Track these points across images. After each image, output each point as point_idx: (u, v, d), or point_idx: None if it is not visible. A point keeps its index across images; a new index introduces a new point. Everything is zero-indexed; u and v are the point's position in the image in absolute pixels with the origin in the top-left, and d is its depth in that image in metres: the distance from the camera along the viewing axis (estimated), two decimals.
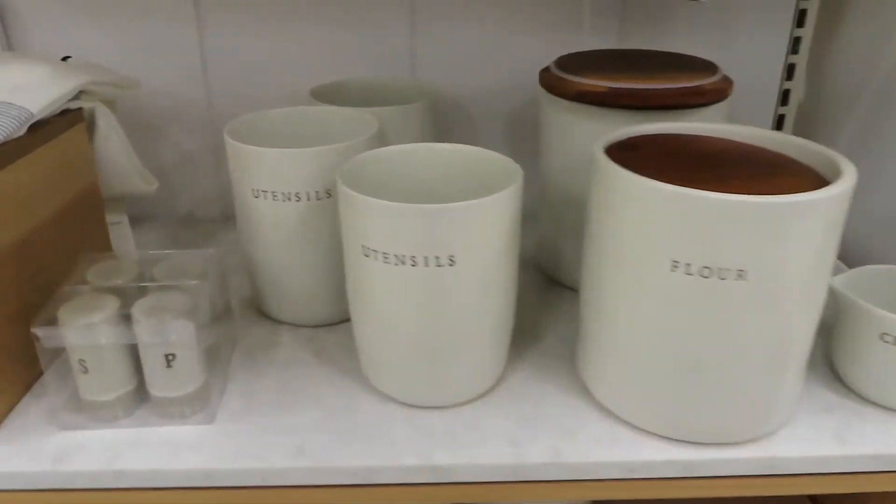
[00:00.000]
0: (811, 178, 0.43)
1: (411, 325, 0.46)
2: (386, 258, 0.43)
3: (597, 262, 0.46)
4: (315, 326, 0.59)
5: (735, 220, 0.39)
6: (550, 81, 0.58)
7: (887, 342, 0.47)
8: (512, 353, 0.55)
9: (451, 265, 0.43)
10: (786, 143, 0.48)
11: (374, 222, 0.43)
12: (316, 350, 0.56)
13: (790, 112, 0.78)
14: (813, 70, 0.76)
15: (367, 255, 0.44)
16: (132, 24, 0.71)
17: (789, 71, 0.76)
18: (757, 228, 0.39)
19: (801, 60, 0.76)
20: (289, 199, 0.52)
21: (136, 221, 0.69)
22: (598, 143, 0.46)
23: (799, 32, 0.74)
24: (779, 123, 0.79)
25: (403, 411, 0.49)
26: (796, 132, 0.80)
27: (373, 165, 0.50)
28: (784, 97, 0.78)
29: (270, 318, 0.60)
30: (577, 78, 0.56)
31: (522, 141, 0.76)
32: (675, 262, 0.41)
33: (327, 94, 0.67)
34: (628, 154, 0.47)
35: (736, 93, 0.75)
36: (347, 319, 0.59)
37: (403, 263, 0.43)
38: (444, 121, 0.76)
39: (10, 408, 0.49)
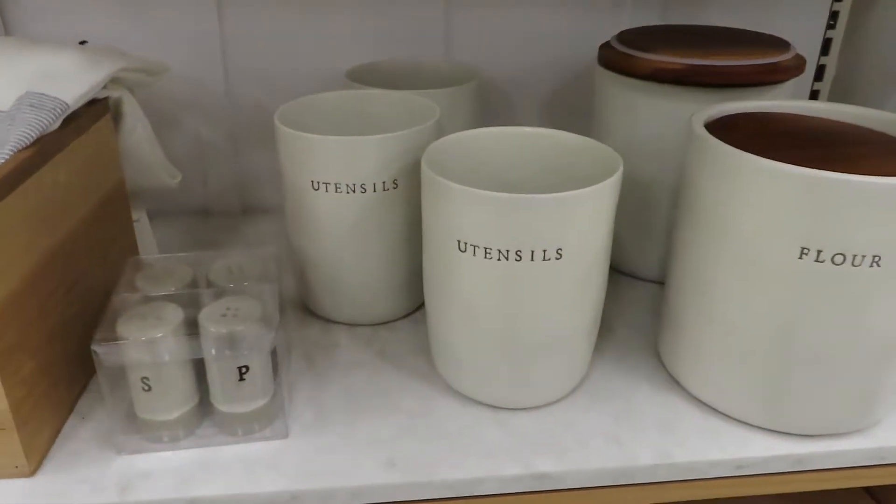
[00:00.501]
0: None
1: (509, 322, 0.42)
2: (488, 253, 0.40)
3: (701, 250, 0.44)
4: (373, 325, 0.55)
5: (872, 203, 0.36)
6: (614, 59, 0.55)
7: None
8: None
9: (558, 259, 0.40)
10: (888, 121, 0.46)
11: (474, 214, 0.39)
12: (379, 350, 0.52)
13: (825, 87, 0.77)
14: (847, 45, 0.75)
15: (462, 251, 0.41)
16: (143, 6, 0.65)
17: (825, 46, 0.75)
18: (883, 211, 0.36)
19: (837, 35, 0.75)
20: (353, 190, 0.48)
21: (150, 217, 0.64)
22: (697, 123, 0.44)
23: (837, 7, 0.73)
24: (813, 98, 0.78)
25: (490, 414, 0.46)
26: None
27: (454, 151, 0.47)
28: (819, 72, 0.76)
29: (322, 318, 0.56)
30: (648, 55, 0.53)
31: (564, 124, 0.73)
32: (804, 248, 0.38)
33: (362, 77, 0.63)
34: (730, 134, 0.44)
35: None
36: (405, 316, 0.55)
37: (507, 258, 0.40)
38: (482, 104, 0.72)
39: (57, 432, 0.44)
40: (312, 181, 0.48)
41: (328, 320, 0.55)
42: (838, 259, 0.38)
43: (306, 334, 0.54)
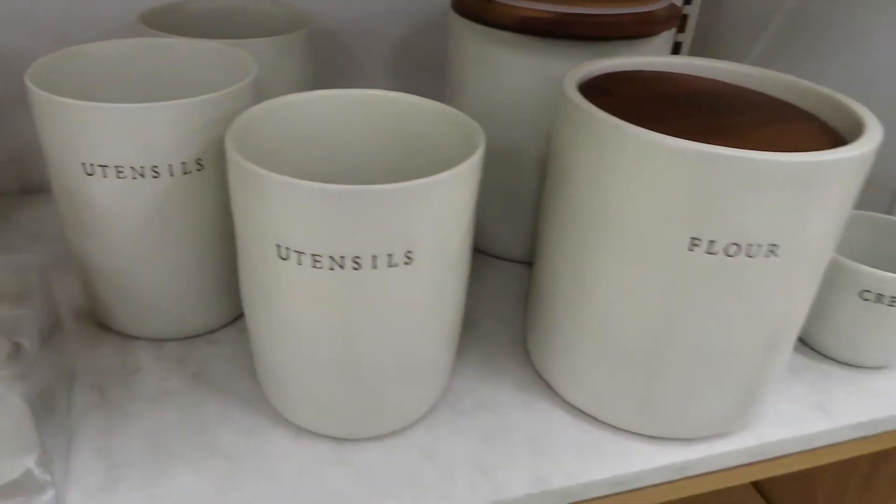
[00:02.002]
0: (819, 125, 0.36)
1: (348, 343, 0.34)
2: (317, 261, 0.31)
3: (573, 235, 0.37)
4: (187, 339, 0.44)
5: (770, 184, 0.31)
6: (472, 5, 0.46)
7: (867, 299, 0.43)
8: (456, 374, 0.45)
9: (407, 264, 0.32)
10: (780, 83, 0.40)
11: (297, 212, 0.30)
12: (195, 372, 0.42)
13: (687, 39, 0.73)
14: None
15: (284, 258, 0.31)
16: None
17: None
18: (793, 194, 0.31)
19: None
20: (142, 175, 0.37)
21: None
22: (569, 84, 0.36)
23: None
24: (675, 51, 0.74)
25: (332, 449, 0.38)
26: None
27: (272, 123, 0.36)
28: (682, 23, 0.72)
29: (118, 333, 0.44)
30: (512, 1, 0.45)
31: (419, 83, 0.64)
32: (694, 239, 0.32)
33: (162, 22, 0.50)
34: (607, 98, 0.37)
35: None
36: (230, 323, 0.45)
37: (343, 267, 0.31)
38: (318, 59, 0.61)
39: None
40: (84, 164, 0.36)
41: (127, 336, 0.44)
42: (733, 250, 0.32)
43: (97, 357, 0.43)
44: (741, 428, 0.41)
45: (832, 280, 0.44)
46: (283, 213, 0.30)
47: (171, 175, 0.37)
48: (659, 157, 0.31)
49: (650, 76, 0.41)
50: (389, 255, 0.31)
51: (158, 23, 0.49)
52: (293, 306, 0.33)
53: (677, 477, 0.39)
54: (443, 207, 0.32)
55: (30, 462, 0.32)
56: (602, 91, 0.38)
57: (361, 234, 0.30)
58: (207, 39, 0.44)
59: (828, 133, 0.36)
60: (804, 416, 0.42)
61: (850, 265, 0.43)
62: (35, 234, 0.54)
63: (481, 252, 0.56)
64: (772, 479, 0.67)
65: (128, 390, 0.40)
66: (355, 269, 0.31)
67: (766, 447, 0.41)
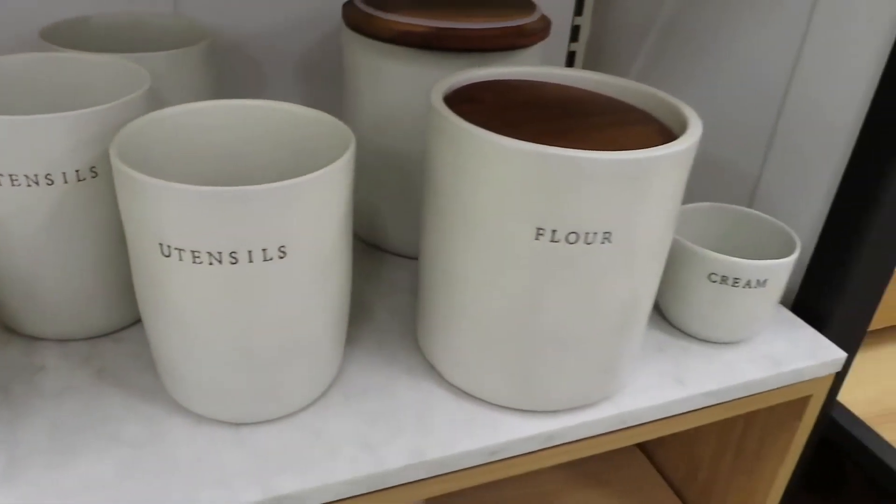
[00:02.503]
0: (658, 127, 0.41)
1: (233, 333, 0.37)
2: (196, 257, 0.34)
3: (445, 231, 0.41)
4: (91, 338, 0.47)
5: (600, 179, 0.35)
6: (358, 19, 0.50)
7: (714, 281, 0.48)
8: (352, 348, 0.49)
9: (281, 258, 0.35)
10: (622, 87, 0.45)
11: (175, 213, 0.33)
12: (98, 369, 0.44)
13: (580, 49, 0.79)
14: (599, 4, 0.77)
15: (167, 255, 0.34)
16: None
17: (578, 6, 0.76)
18: (622, 187, 0.36)
19: None
20: (36, 182, 0.39)
21: None
22: (436, 94, 0.40)
23: None
24: (570, 60, 0.79)
25: (229, 433, 0.41)
26: (586, 68, 0.81)
27: (154, 134, 0.39)
28: (574, 33, 0.77)
29: (24, 335, 0.46)
30: (391, 15, 0.49)
31: (321, 90, 0.67)
32: (539, 229, 0.37)
33: (64, 36, 0.52)
34: (469, 107, 0.41)
35: None
36: (133, 323, 0.48)
37: (220, 262, 0.34)
38: (221, 69, 0.64)
39: None
40: None
41: (33, 337, 0.46)
42: (573, 238, 0.37)
43: (2, 357, 0.45)
44: (603, 399, 0.45)
45: (685, 264, 0.49)
46: (162, 214, 0.33)
47: (66, 182, 0.40)
48: (502, 157, 0.36)
49: (514, 85, 0.45)
50: (264, 250, 0.34)
51: (59, 38, 0.51)
52: (180, 301, 0.36)
53: (546, 446, 0.44)
54: (313, 205, 0.35)
55: None
56: (467, 99, 0.43)
57: (235, 231, 0.33)
58: (104, 53, 0.46)
59: (662, 132, 0.40)
60: (662, 386, 0.47)
61: (699, 251, 0.48)
62: None
63: (381, 249, 0.59)
64: (656, 443, 0.72)
65: (32, 388, 0.43)
66: (233, 263, 0.34)
67: (626, 416, 0.45)
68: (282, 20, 0.64)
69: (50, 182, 0.39)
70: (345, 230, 0.39)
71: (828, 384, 0.53)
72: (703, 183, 0.67)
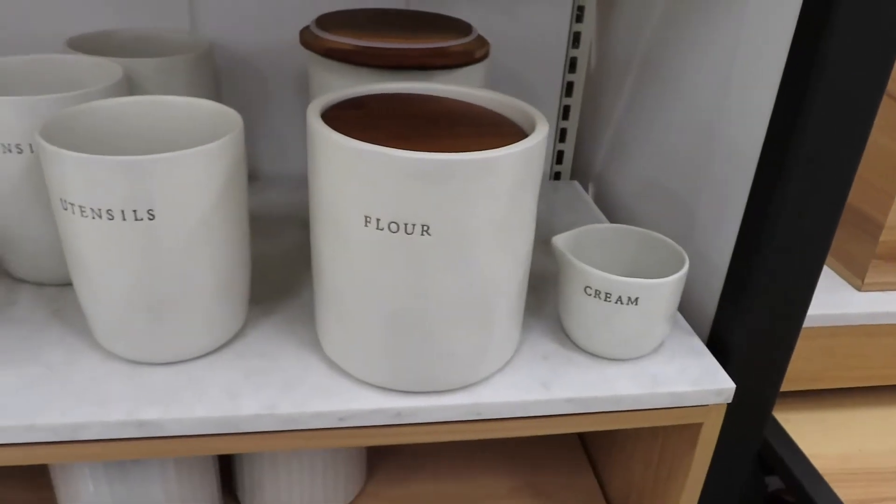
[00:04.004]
0: (517, 138, 0.45)
1: (122, 281, 0.45)
2: (83, 212, 0.42)
3: (312, 221, 0.47)
4: (60, 285, 0.57)
5: (415, 176, 0.40)
6: (308, 38, 0.58)
7: (589, 294, 0.50)
8: (260, 309, 0.56)
9: (151, 220, 0.43)
10: (504, 103, 0.50)
11: (71, 176, 0.42)
12: (56, 310, 0.54)
13: (578, 79, 0.82)
14: (602, 37, 0.80)
15: (66, 210, 0.43)
16: None
17: (575, 39, 0.79)
18: (435, 185, 0.40)
19: (586, 30, 0.79)
20: (9, 150, 0.50)
21: None
22: (317, 102, 0.47)
23: (582, 2, 0.77)
24: (568, 90, 0.82)
25: (127, 368, 0.49)
26: (585, 98, 0.84)
27: (90, 118, 0.49)
28: (572, 65, 0.81)
29: (12, 277, 0.57)
30: (329, 35, 0.56)
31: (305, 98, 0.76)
32: (367, 217, 0.42)
33: (89, 46, 0.64)
34: (356, 112, 0.48)
35: (525, 59, 0.78)
36: None
37: (100, 217, 0.42)
38: (232, 76, 0.74)
39: None
40: None
41: (17, 279, 0.57)
42: (394, 227, 0.41)
43: None
44: (460, 388, 0.49)
45: (566, 276, 0.52)
46: (62, 176, 0.42)
47: (33, 152, 0.50)
48: (334, 151, 0.41)
49: (403, 97, 0.51)
50: (134, 211, 0.42)
51: (84, 46, 0.63)
52: (79, 249, 0.45)
53: (396, 422, 0.48)
54: (178, 179, 0.43)
55: None
56: (356, 105, 0.49)
57: (113, 192, 0.42)
58: (99, 57, 0.57)
59: (515, 139, 0.44)
60: (527, 387, 0.50)
61: (576, 263, 0.50)
62: None
63: None
64: (604, 461, 0.72)
65: (3, 313, 0.53)
66: (110, 219, 0.42)
67: (481, 407, 0.48)
68: (285, 39, 0.73)
69: (20, 150, 0.50)
70: (221, 205, 0.46)
71: (720, 414, 0.53)
72: (652, 209, 0.68)
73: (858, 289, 0.70)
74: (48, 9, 0.68)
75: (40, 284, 0.57)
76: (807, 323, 0.65)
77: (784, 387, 0.60)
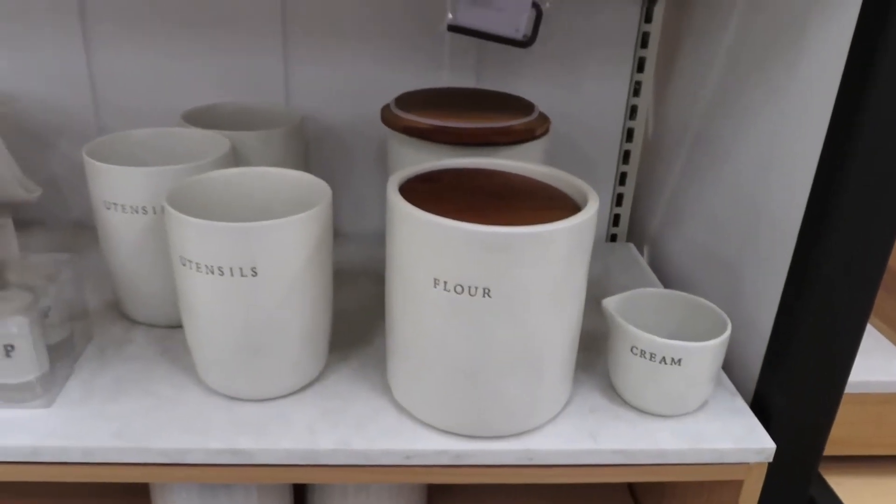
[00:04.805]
0: (571, 211, 0.50)
1: (225, 327, 0.53)
2: (199, 268, 0.50)
3: (388, 279, 0.54)
4: (169, 327, 0.65)
5: (478, 247, 0.46)
6: (388, 116, 0.66)
7: (636, 354, 0.55)
8: (338, 355, 0.62)
9: (254, 276, 0.50)
10: (561, 178, 0.56)
11: (193, 238, 0.50)
12: (164, 348, 0.63)
13: (635, 148, 0.87)
14: (658, 109, 0.85)
15: (184, 266, 0.51)
16: (20, 37, 0.76)
17: (632, 111, 0.85)
18: (495, 254, 0.46)
19: (643, 102, 0.85)
20: (136, 211, 0.59)
21: (26, 225, 0.75)
22: (395, 178, 0.54)
23: (639, 77, 0.83)
24: (625, 158, 0.88)
25: (225, 402, 0.56)
26: (642, 168, 0.89)
27: (206, 186, 0.57)
28: (629, 135, 0.86)
29: (129, 319, 0.66)
30: (407, 115, 0.64)
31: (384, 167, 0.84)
32: (436, 279, 0.48)
33: (199, 118, 0.74)
34: (429, 186, 0.55)
35: (585, 129, 0.85)
36: None
37: (222, 274, 0.50)
38: (319, 146, 0.83)
39: None
40: (105, 201, 0.59)
41: (133, 321, 0.66)
42: (459, 289, 0.48)
43: (110, 331, 0.65)
44: (514, 435, 0.54)
45: (616, 336, 0.56)
46: (183, 238, 0.50)
47: (155, 213, 0.59)
48: (408, 222, 0.48)
49: (472, 171, 0.58)
50: (241, 268, 0.50)
51: (196, 119, 0.73)
52: (193, 299, 0.53)
53: (456, 462, 0.53)
54: (277, 242, 0.50)
55: (32, 377, 0.54)
56: (428, 179, 0.56)
57: (225, 252, 0.49)
58: (209, 130, 0.67)
59: (569, 213, 0.50)
60: (577, 437, 0.54)
61: (623, 325, 0.55)
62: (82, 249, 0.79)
63: None
64: (644, 486, 0.74)
65: (119, 352, 0.62)
66: (220, 275, 0.50)
67: (533, 453, 0.53)
68: (366, 113, 0.82)
69: (144, 212, 0.59)
70: (313, 263, 0.53)
71: (761, 473, 0.56)
72: (702, 272, 0.72)
73: None
74: (165, 85, 0.79)
75: (151, 325, 0.66)
76: (857, 389, 0.67)
77: (836, 451, 0.62)
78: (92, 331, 0.64)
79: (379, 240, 0.79)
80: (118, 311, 0.68)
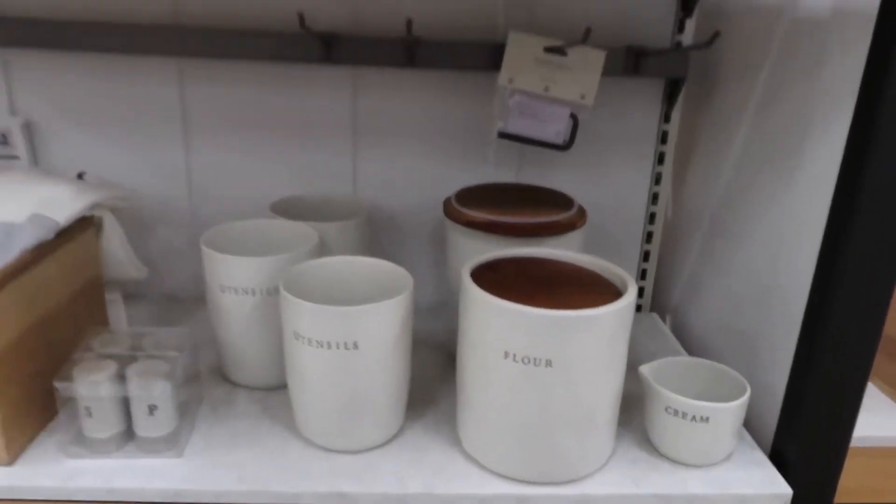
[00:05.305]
0: (613, 295, 0.62)
1: (327, 392, 0.64)
2: (308, 342, 0.62)
3: (460, 350, 0.65)
4: (266, 389, 0.77)
5: (541, 326, 0.58)
6: (450, 210, 0.78)
7: (670, 413, 0.65)
8: (412, 413, 0.73)
9: (355, 349, 0.62)
10: (603, 265, 0.67)
11: (306, 317, 0.62)
12: (265, 407, 0.74)
13: (657, 230, 0.99)
14: (676, 196, 0.98)
15: (297, 340, 0.63)
16: (132, 141, 0.91)
17: (654, 198, 0.97)
18: (555, 332, 0.58)
19: (663, 190, 0.97)
20: (246, 293, 0.71)
21: (129, 299, 0.87)
22: (467, 266, 0.66)
23: (660, 169, 0.96)
24: (648, 238, 1.00)
25: (323, 454, 0.67)
26: (663, 246, 1.01)
27: (310, 271, 0.69)
28: (651, 218, 0.98)
29: (232, 382, 0.78)
30: (468, 210, 0.76)
31: (439, 251, 0.97)
32: (506, 352, 0.59)
33: (284, 208, 0.87)
34: (490, 273, 0.66)
35: (609, 213, 0.97)
36: None
37: (329, 347, 0.62)
38: (380, 230, 0.96)
39: (30, 440, 0.66)
40: (220, 285, 0.71)
41: (236, 384, 0.77)
42: (526, 360, 0.59)
43: (217, 392, 0.76)
44: (569, 482, 0.64)
45: (652, 398, 0.67)
46: (297, 317, 0.62)
47: (262, 295, 0.71)
48: (481, 305, 0.60)
49: (525, 260, 0.70)
50: (345, 343, 0.61)
51: (281, 208, 0.86)
52: (302, 368, 0.64)
53: None
54: (374, 322, 0.62)
55: (168, 431, 0.65)
56: (491, 267, 0.67)
57: (332, 330, 0.61)
58: (300, 222, 0.79)
59: (612, 296, 0.61)
60: (622, 483, 0.65)
61: (657, 388, 0.66)
62: (204, 324, 0.90)
63: None
64: None
65: (230, 410, 0.73)
66: (328, 349, 0.62)
67: (588, 498, 0.63)
68: (422, 203, 0.94)
69: (253, 294, 0.71)
70: (401, 339, 0.65)
71: None
72: (722, 340, 0.83)
73: None
74: (250, 178, 0.93)
75: (250, 388, 0.77)
76: (864, 443, 0.77)
77: (848, 499, 0.71)
78: (202, 392, 0.75)
79: (431, 313, 0.90)
80: (220, 374, 0.79)
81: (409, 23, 0.75)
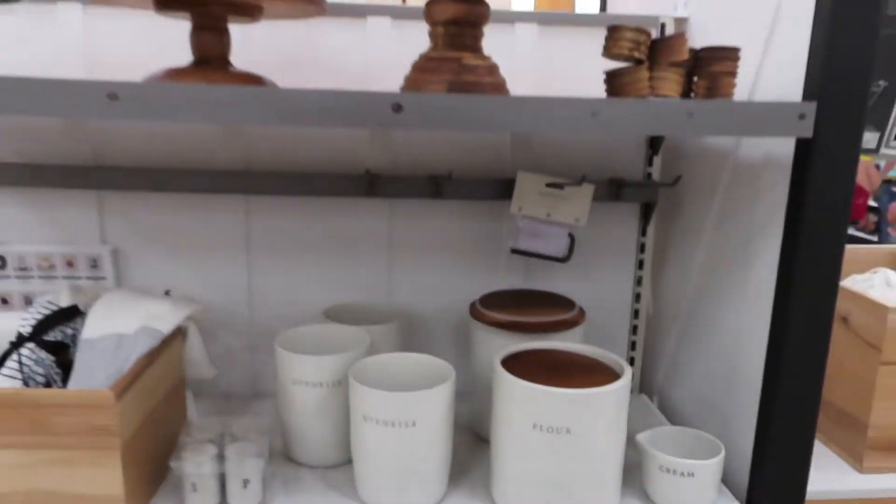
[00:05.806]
0: (613, 377, 0.79)
1: (387, 463, 0.79)
2: (375, 422, 0.78)
3: (494, 424, 0.81)
4: (326, 467, 0.91)
5: (562, 403, 0.75)
6: (475, 313, 0.96)
7: (663, 471, 0.81)
8: (451, 483, 0.88)
9: (413, 426, 0.78)
10: (601, 354, 0.85)
11: (374, 401, 0.78)
12: (327, 482, 0.88)
13: (641, 323, 1.18)
14: (655, 294, 1.17)
15: (365, 421, 0.79)
16: (201, 263, 1.08)
17: (637, 297, 1.17)
18: (573, 408, 0.75)
19: (644, 290, 1.17)
20: (315, 386, 0.87)
21: (195, 395, 1.02)
22: (497, 357, 0.83)
23: (640, 273, 1.16)
24: (634, 330, 1.18)
25: None
26: (647, 336, 1.19)
27: (370, 365, 0.86)
28: (635, 313, 1.17)
29: (295, 462, 0.92)
30: (491, 312, 0.94)
31: (462, 346, 1.14)
32: (534, 424, 0.76)
33: (335, 313, 1.04)
34: (514, 362, 0.84)
35: (601, 310, 1.15)
36: (348, 462, 0.92)
37: (385, 425, 0.78)
38: (414, 330, 1.13)
39: None
40: (292, 379, 0.88)
41: (299, 463, 0.92)
42: (550, 429, 0.75)
43: (283, 470, 0.90)
44: None
45: (647, 459, 0.83)
46: (365, 402, 0.78)
47: (328, 387, 0.87)
48: (510, 388, 0.77)
49: (542, 351, 0.87)
50: (405, 422, 0.78)
51: (332, 313, 1.03)
52: (369, 444, 0.80)
53: None
54: (424, 406, 0.78)
55: (258, 500, 0.79)
56: (515, 357, 0.85)
57: (394, 411, 0.77)
58: (353, 326, 0.96)
59: (613, 378, 0.78)
60: None
61: (651, 451, 0.82)
62: (260, 414, 1.05)
63: (486, 441, 0.99)
64: None
65: (297, 485, 0.87)
66: (392, 427, 0.78)
67: None
68: (446, 304, 1.12)
69: (321, 386, 0.87)
70: (447, 417, 0.81)
71: None
72: (700, 412, 1.00)
73: (860, 472, 0.97)
74: (302, 292, 1.10)
75: (312, 467, 0.91)
76: (819, 497, 0.93)
77: None
78: (277, 469, 0.90)
79: (457, 399, 1.06)
80: (284, 455, 0.93)
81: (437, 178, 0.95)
